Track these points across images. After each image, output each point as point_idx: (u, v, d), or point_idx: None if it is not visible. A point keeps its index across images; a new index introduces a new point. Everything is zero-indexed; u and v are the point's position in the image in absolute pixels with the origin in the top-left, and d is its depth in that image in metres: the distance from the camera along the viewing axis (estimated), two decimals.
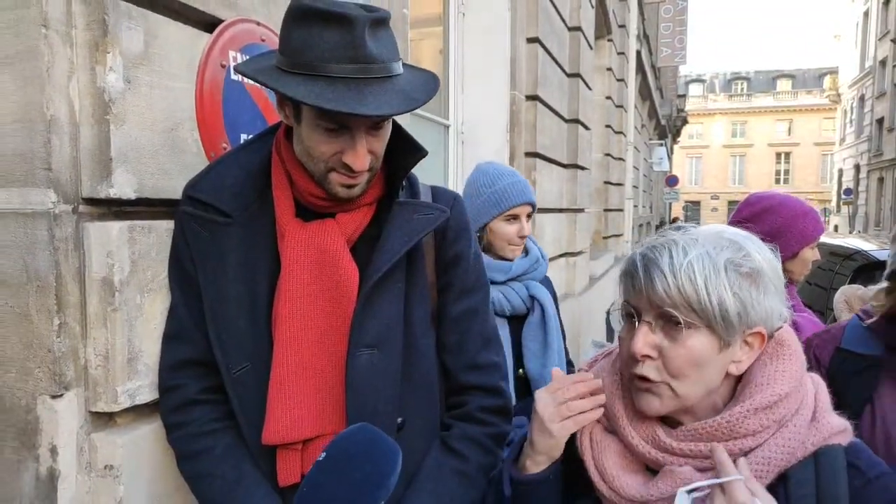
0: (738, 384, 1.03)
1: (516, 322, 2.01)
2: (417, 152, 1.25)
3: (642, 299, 1.00)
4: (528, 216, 2.02)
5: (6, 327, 1.16)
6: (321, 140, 1.13)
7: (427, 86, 1.16)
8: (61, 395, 1.16)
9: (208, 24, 1.40)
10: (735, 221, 2.08)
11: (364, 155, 1.13)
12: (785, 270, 2.02)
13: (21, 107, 1.13)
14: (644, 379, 1.00)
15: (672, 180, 25.76)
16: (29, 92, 1.12)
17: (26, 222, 1.14)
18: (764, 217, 2.00)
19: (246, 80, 1.48)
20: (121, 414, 1.23)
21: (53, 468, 1.16)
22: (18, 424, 1.16)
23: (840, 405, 1.03)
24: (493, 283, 1.91)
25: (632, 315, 1.02)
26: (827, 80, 48.76)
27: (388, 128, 1.19)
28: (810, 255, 2.02)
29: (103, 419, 1.23)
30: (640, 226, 16.51)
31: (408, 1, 2.51)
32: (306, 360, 1.19)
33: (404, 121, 2.52)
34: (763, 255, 1.01)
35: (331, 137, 1.12)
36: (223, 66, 1.40)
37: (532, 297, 2.01)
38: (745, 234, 1.03)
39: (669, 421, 1.04)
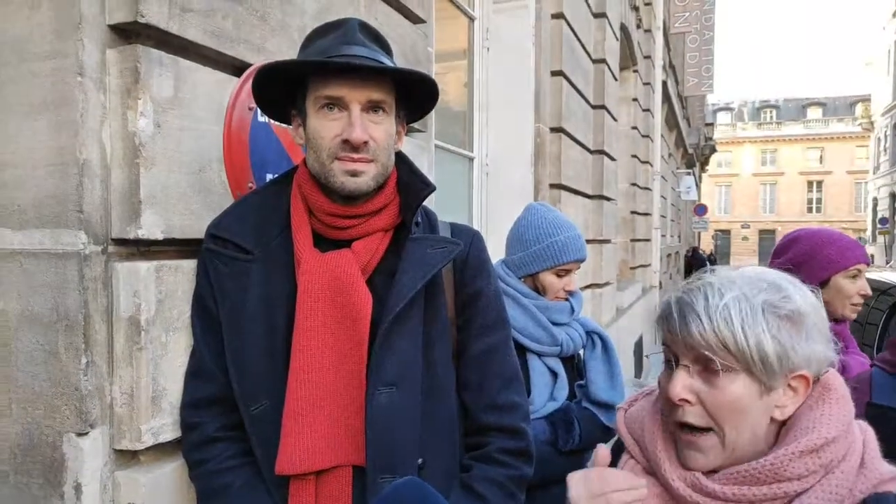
0: (781, 429, 1.00)
1: (567, 359, 2.01)
2: (427, 187, 1.29)
3: (678, 343, 0.98)
4: (577, 270, 2.03)
5: (35, 365, 1.18)
6: (323, 124, 1.19)
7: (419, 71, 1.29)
8: (87, 433, 1.17)
9: (236, 68, 1.44)
10: (771, 256, 2.08)
11: (360, 127, 1.18)
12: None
13: (55, 151, 1.17)
14: (688, 429, 0.97)
15: (700, 209, 25.46)
16: (63, 137, 1.16)
17: (58, 262, 1.17)
18: (790, 247, 2.01)
19: (272, 121, 1.52)
20: (144, 452, 1.24)
21: None
22: (45, 461, 1.18)
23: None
24: (556, 324, 1.94)
25: (670, 360, 1.00)
26: (859, 108, 48.14)
27: (389, 123, 1.24)
28: (847, 284, 1.95)
29: (127, 457, 1.24)
30: (669, 255, 16.30)
31: (433, 39, 2.56)
32: (321, 389, 1.19)
33: (429, 153, 2.55)
34: (805, 298, 0.98)
35: (331, 118, 1.19)
36: (251, 109, 1.43)
37: (589, 333, 2.02)
38: (787, 277, 1.01)
39: None
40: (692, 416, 0.96)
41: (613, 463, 1.14)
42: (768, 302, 0.95)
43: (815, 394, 1.00)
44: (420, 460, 1.23)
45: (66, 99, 1.16)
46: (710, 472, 0.99)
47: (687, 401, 0.96)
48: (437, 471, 1.25)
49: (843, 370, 1.87)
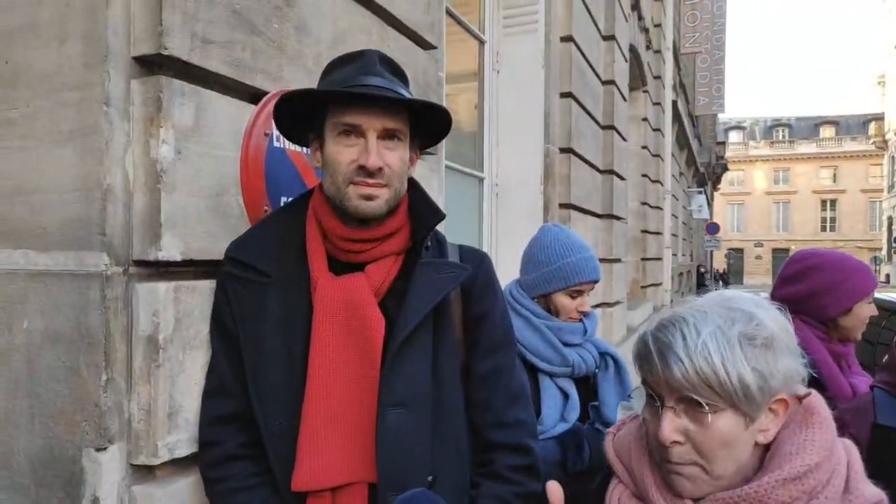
0: (765, 453, 1.01)
1: (582, 380, 2.00)
2: (436, 214, 1.34)
3: (661, 384, 0.99)
4: (590, 290, 2.03)
5: (58, 382, 1.23)
6: (340, 150, 1.25)
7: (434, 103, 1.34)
8: (105, 448, 1.21)
9: (254, 95, 1.49)
10: (783, 279, 2.06)
11: (376, 154, 1.23)
12: (840, 327, 2.00)
13: (81, 177, 1.22)
14: (675, 462, 0.99)
15: (713, 228, 25.38)
16: (89, 163, 1.22)
17: (81, 283, 1.22)
18: (813, 274, 1.97)
19: (287, 145, 1.57)
20: (160, 467, 1.28)
21: None
22: (65, 475, 1.22)
23: (889, 485, 0.99)
24: (568, 345, 1.94)
25: (653, 398, 1.02)
26: (872, 127, 47.96)
27: (403, 150, 1.29)
28: (866, 310, 1.97)
29: (143, 472, 1.27)
30: (681, 274, 16.25)
31: (443, 64, 2.62)
32: (336, 410, 1.23)
33: (440, 175, 2.59)
34: (775, 321, 1.00)
35: (348, 144, 1.24)
36: (266, 135, 1.49)
37: (602, 354, 2.02)
38: (754, 300, 1.03)
39: None
40: (680, 455, 0.98)
41: (603, 487, 1.16)
42: (744, 333, 0.96)
43: (798, 418, 1.01)
44: (430, 477, 1.26)
45: (93, 128, 1.22)
46: (695, 499, 1.00)
47: (677, 442, 0.98)
48: (447, 487, 1.28)
49: (854, 392, 1.88)
